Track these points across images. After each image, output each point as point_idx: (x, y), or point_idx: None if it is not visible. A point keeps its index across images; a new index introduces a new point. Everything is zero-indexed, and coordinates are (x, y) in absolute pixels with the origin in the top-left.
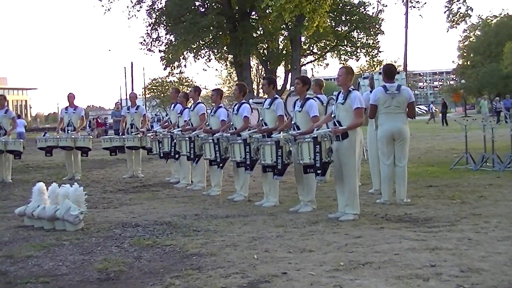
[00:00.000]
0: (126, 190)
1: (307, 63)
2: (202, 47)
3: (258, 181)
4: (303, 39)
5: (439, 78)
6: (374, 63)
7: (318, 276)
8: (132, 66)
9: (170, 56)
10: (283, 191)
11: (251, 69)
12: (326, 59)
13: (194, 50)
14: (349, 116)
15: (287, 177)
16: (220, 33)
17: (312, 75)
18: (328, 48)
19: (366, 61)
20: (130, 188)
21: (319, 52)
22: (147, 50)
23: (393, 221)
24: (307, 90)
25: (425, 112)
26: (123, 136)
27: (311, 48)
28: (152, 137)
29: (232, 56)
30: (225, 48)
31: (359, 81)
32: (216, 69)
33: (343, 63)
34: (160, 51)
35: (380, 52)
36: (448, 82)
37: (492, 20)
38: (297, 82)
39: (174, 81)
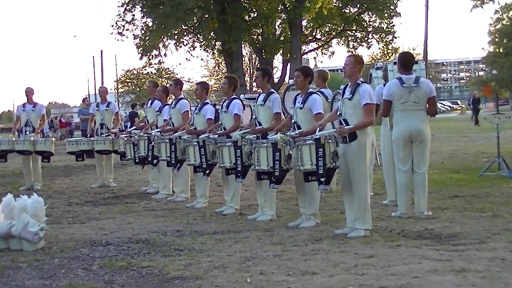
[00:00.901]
0: (95, 202)
1: (309, 51)
2: (185, 33)
3: (252, 190)
4: (304, 23)
5: (465, 69)
6: (388, 51)
7: None
8: (102, 55)
9: (147, 43)
10: (281, 203)
11: (243, 59)
12: (331, 46)
13: (176, 36)
14: (357, 113)
15: (286, 186)
16: (206, 16)
17: (315, 65)
18: (334, 33)
19: (379, 48)
20: (100, 199)
21: (323, 39)
22: (119, 34)
23: (412, 237)
24: (309, 83)
25: (448, 108)
26: (92, 138)
27: (314, 33)
28: (126, 139)
29: (220, 43)
30: (212, 33)
31: (371, 72)
32: (202, 59)
33: (352, 51)
34: (135, 36)
35: (395, 38)
36: (476, 73)
37: None
38: (297, 74)
39: (152, 72)
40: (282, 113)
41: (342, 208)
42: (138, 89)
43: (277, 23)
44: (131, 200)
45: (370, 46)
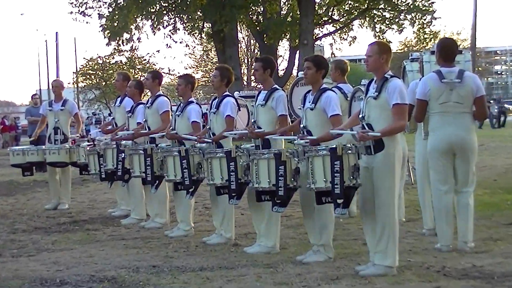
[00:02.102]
0: (47, 228)
1: (324, 36)
2: (165, 11)
3: (249, 215)
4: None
5: None
6: (425, 36)
7: None
8: (57, 39)
9: (116, 24)
10: (287, 231)
11: (239, 45)
12: (352, 30)
13: (153, 16)
14: (385, 116)
15: (294, 208)
16: None
17: (332, 54)
18: (356, 13)
19: (414, 32)
20: (54, 225)
21: (342, 20)
22: (81, 14)
23: (455, 277)
24: (324, 78)
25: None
26: (43, 147)
27: (330, 13)
28: (88, 148)
29: (209, 25)
30: (199, 12)
31: (405, 64)
32: (187, 45)
33: (378, 36)
34: (100, 16)
35: (435, 19)
36: None
37: None
38: (308, 66)
39: (122, 62)
40: (288, 116)
41: (364, 238)
42: (104, 83)
43: (283, 0)
44: (93, 226)
45: (402, 30)
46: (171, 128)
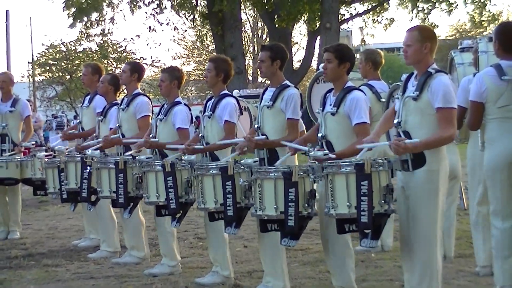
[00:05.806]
0: None
1: (352, 17)
2: None
3: (254, 247)
4: None
5: None
6: (483, 18)
7: None
8: (7, 20)
9: (83, 0)
10: (303, 268)
11: (242, 30)
12: (388, 10)
13: None
14: (427, 123)
15: (311, 239)
16: None
17: (362, 41)
18: None
19: (468, 14)
20: (3, 259)
21: None
22: None
23: None
24: (348, 73)
25: None
26: None
27: None
28: (46, 159)
29: (205, 2)
30: None
31: (453, 55)
32: (176, 28)
33: (423, 20)
34: None
35: None
36: None
37: None
38: (328, 57)
39: (91, 50)
40: (301, 122)
41: (402, 278)
42: (68, 77)
43: None
44: (53, 261)
45: (451, 11)
46: (151, 136)
